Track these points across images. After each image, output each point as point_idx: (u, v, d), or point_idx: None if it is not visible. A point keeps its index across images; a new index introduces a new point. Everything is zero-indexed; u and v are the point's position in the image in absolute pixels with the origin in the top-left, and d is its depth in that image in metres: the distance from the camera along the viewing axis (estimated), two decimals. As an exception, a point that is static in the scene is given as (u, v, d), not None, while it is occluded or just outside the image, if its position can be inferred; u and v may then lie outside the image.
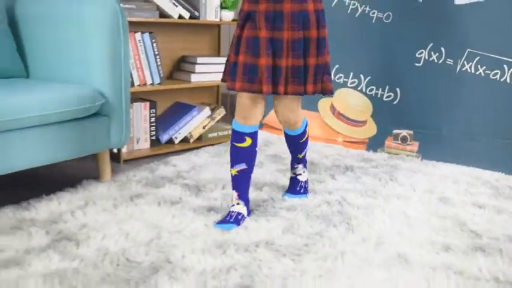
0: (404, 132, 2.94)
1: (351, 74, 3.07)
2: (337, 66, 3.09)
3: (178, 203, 2.10)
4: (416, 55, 2.88)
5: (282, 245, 1.75)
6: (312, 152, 2.93)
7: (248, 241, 1.77)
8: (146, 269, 1.56)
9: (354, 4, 3.01)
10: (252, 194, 2.21)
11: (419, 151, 2.91)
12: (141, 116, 2.88)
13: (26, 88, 2.06)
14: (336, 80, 3.11)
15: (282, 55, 1.76)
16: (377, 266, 1.62)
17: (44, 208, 1.99)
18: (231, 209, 1.94)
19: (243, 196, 1.96)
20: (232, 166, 1.92)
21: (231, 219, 1.89)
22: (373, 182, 2.45)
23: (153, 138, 2.95)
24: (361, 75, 3.05)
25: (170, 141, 3.04)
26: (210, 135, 3.17)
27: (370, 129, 3.04)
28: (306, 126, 2.13)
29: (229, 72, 1.82)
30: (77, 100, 2.08)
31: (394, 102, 2.97)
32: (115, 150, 2.75)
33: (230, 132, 3.22)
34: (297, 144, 2.14)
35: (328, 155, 2.90)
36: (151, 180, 2.36)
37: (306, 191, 2.22)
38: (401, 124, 2.94)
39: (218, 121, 3.41)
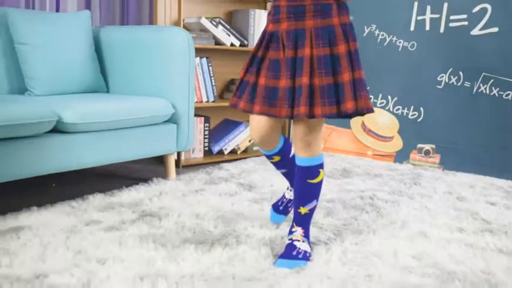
0: (427, 146, 3.32)
1: (380, 95, 3.49)
2: (367, 88, 3.51)
3: (235, 195, 2.52)
4: (438, 78, 3.29)
5: (324, 224, 2.14)
6: (344, 162, 3.34)
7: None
8: (217, 235, 1.97)
9: (382, 35, 3.45)
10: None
11: (441, 163, 3.28)
12: (196, 129, 3.33)
13: (107, 99, 2.53)
14: (367, 101, 3.53)
15: (302, 73, 1.60)
16: (401, 238, 2.00)
17: (126, 196, 2.43)
18: (285, 195, 2.12)
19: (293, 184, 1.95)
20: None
21: (281, 207, 2.11)
22: (399, 185, 2.83)
23: (206, 148, 3.39)
24: (389, 96, 3.47)
25: (220, 152, 3.48)
26: (254, 148, 3.60)
27: (397, 144, 3.43)
28: (321, 164, 1.75)
29: (246, 92, 1.71)
30: (151, 109, 2.54)
31: (419, 120, 3.37)
32: (175, 157, 3.20)
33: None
34: (304, 184, 1.75)
35: (359, 165, 3.30)
36: (209, 179, 2.80)
37: (305, 258, 1.75)
38: (425, 139, 3.33)
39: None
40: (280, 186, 2.70)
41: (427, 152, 3.32)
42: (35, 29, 2.62)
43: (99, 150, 2.35)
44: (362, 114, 1.64)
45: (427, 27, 3.31)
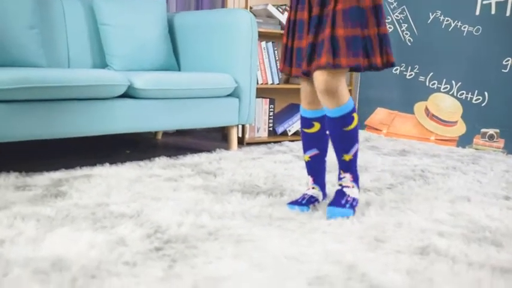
0: (491, 131, 3.29)
1: (444, 80, 3.50)
2: (431, 73, 3.53)
3: (289, 163, 2.66)
4: (503, 62, 3.26)
5: (369, 187, 2.23)
6: (405, 145, 3.38)
7: (342, 183, 2.27)
8: (266, 190, 2.12)
9: (447, 20, 3.47)
10: (349, 162, 2.71)
11: (505, 147, 3.23)
12: (262, 109, 3.51)
13: (179, 74, 2.77)
14: (430, 86, 3.55)
15: (325, 27, 1.62)
16: (443, 200, 2.05)
17: (189, 159, 2.65)
18: (306, 192, 1.92)
19: (318, 181, 1.93)
20: (304, 152, 1.91)
21: (303, 201, 1.86)
22: (456, 163, 2.84)
23: (270, 129, 3.56)
24: (453, 81, 3.46)
25: (284, 133, 3.63)
26: (317, 131, 3.71)
27: (460, 128, 3.42)
28: (353, 109, 1.75)
29: (286, 56, 1.81)
30: (216, 82, 2.75)
31: (483, 104, 3.34)
32: (240, 135, 3.39)
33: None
34: (341, 133, 1.75)
35: (420, 147, 3.33)
36: (268, 151, 2.96)
37: (352, 207, 1.79)
38: (489, 124, 3.30)
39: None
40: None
41: (491, 137, 3.29)
42: (116, 12, 2.92)
43: (166, 116, 2.58)
44: (383, 69, 1.69)
45: (493, 11, 3.28)
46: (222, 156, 2.74)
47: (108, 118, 2.38)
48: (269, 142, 3.46)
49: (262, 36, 3.54)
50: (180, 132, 3.69)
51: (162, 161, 2.58)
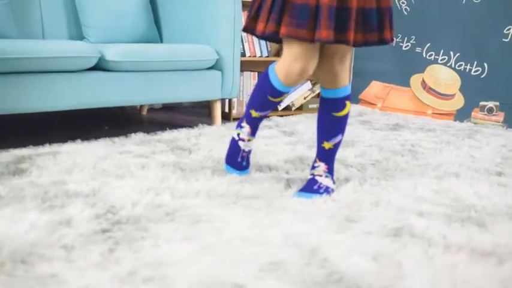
0: (490, 104, 3.12)
1: (442, 51, 3.32)
2: (428, 44, 3.36)
3: (272, 138, 2.53)
4: (504, 31, 3.07)
5: (352, 162, 2.09)
6: (399, 119, 3.22)
7: (324, 159, 2.14)
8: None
9: (446, -14, 3.28)
10: (336, 137, 2.57)
11: (505, 121, 3.07)
12: (250, 84, 3.36)
13: (154, 45, 2.62)
14: (427, 57, 3.37)
15: None
16: (430, 177, 1.91)
17: (167, 135, 2.51)
18: (244, 147, 1.83)
19: (255, 133, 1.84)
20: (256, 110, 1.76)
21: (244, 163, 1.86)
22: (451, 138, 2.69)
23: (260, 104, 3.41)
24: (451, 52, 3.29)
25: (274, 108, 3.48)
26: (310, 105, 3.57)
27: (458, 101, 3.26)
28: (348, 97, 1.65)
29: (266, 11, 1.48)
30: (195, 53, 2.61)
31: (482, 76, 3.17)
32: (226, 110, 3.25)
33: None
34: (329, 118, 1.66)
35: (415, 122, 3.17)
36: (253, 127, 2.82)
37: (327, 192, 1.66)
38: (488, 96, 3.13)
39: (318, 95, 3.84)
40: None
41: (490, 110, 3.12)
42: (93, -20, 2.76)
43: (141, 90, 2.45)
44: (386, 43, 1.56)
45: (494, -24, 3.09)
46: (202, 132, 2.61)
47: (78, 92, 2.25)
48: (258, 117, 3.31)
49: (247, 6, 3.36)
50: (167, 108, 3.56)
51: (138, 137, 2.45)
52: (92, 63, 2.27)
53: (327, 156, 1.73)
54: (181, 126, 2.85)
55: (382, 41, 1.51)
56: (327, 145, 1.70)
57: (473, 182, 1.86)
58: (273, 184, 1.74)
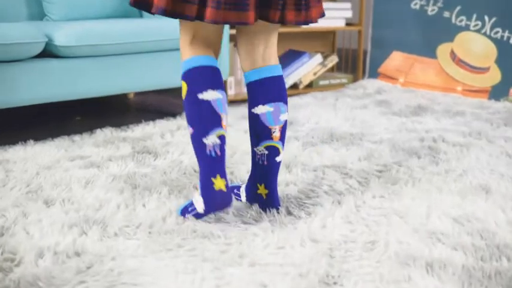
0: (533, 79, 2.60)
1: (474, 15, 2.79)
2: (458, 8, 2.83)
3: (264, 132, 2.11)
4: (553, -11, 2.53)
5: (353, 169, 1.67)
6: (424, 98, 2.74)
7: (319, 163, 1.72)
8: (208, 178, 1.59)
9: None
10: (343, 127, 2.14)
11: (551, 100, 2.56)
12: (249, 59, 2.92)
13: (119, 21, 2.20)
14: (457, 23, 2.85)
15: None
16: (449, 193, 1.47)
17: (139, 130, 2.13)
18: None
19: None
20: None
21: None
22: (483, 126, 2.21)
23: (262, 82, 2.97)
24: (486, 17, 2.75)
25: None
26: (321, 82, 3.11)
27: (494, 76, 2.74)
28: (183, 75, 1.27)
29: None
30: (171, 30, 2.18)
31: (524, 45, 2.65)
32: (222, 91, 2.83)
33: (343, 80, 3.15)
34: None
35: (442, 102, 2.68)
36: (245, 115, 2.40)
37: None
38: (531, 69, 2.61)
39: (331, 69, 3.37)
40: (325, 124, 2.23)
41: (532, 86, 2.60)
42: None
43: (102, 78, 2.05)
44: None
45: None
46: (182, 125, 2.21)
47: (23, 84, 1.87)
48: (259, 98, 2.88)
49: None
50: (157, 91, 3.16)
51: (104, 133, 2.07)
52: (38, 51, 1.88)
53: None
54: (168, 114, 2.46)
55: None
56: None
57: (508, 202, 1.41)
58: (242, 213, 1.34)
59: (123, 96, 2.94)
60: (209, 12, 1.14)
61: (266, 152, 1.31)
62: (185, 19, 1.18)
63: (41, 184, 1.54)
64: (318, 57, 3.07)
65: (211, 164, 1.23)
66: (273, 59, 1.32)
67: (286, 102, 1.32)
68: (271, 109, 1.29)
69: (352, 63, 3.66)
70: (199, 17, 1.17)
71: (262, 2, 1.19)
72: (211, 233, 1.21)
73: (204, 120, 1.22)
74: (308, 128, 2.15)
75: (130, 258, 1.11)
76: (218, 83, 1.25)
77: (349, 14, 3.10)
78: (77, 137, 2.02)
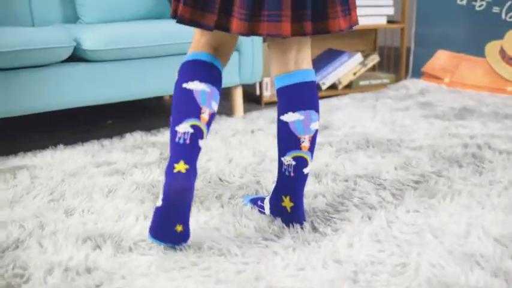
0: None
1: (527, 10, 2.61)
2: (509, 3, 2.64)
3: (296, 137, 2.02)
4: None
5: (387, 179, 1.56)
6: (470, 100, 2.58)
7: (351, 173, 1.62)
8: (233, 188, 1.52)
9: None
10: (380, 132, 2.02)
11: None
12: (286, 59, 2.83)
13: (150, 23, 2.16)
14: (508, 19, 2.67)
15: None
16: (492, 208, 1.35)
17: (167, 134, 2.08)
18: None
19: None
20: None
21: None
22: (534, 131, 2.05)
23: (299, 83, 2.88)
24: (540, 11, 2.57)
25: (317, 88, 2.94)
26: (361, 82, 2.99)
27: (549, 75, 2.56)
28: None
29: None
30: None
31: None
32: (257, 93, 2.76)
33: (384, 80, 3.01)
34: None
35: (489, 103, 2.52)
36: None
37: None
38: None
39: (372, 69, 3.25)
40: (361, 128, 2.12)
41: None
42: None
43: (131, 82, 2.01)
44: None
45: None
46: (214, 128, 2.15)
47: (51, 89, 1.85)
48: (296, 100, 2.79)
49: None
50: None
51: (133, 137, 2.04)
52: (66, 55, 1.86)
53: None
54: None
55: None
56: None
57: (559, 219, 1.28)
58: (264, 227, 1.27)
59: (159, 98, 2.92)
60: (235, 24, 1.07)
61: (293, 163, 1.23)
62: (203, 29, 1.12)
63: (64, 192, 1.51)
64: (358, 57, 2.95)
65: (177, 150, 1.12)
66: (306, 63, 1.24)
67: (317, 110, 1.23)
68: (302, 117, 1.20)
69: (395, 62, 3.51)
70: (222, 27, 1.10)
71: (316, 15, 1.11)
72: (228, 251, 1.14)
73: (181, 108, 1.14)
74: (343, 133, 2.05)
75: (141, 277, 1.06)
76: (210, 78, 1.17)
77: (391, 11, 2.96)
78: (106, 142, 1.99)
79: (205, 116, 1.15)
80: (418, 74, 3.03)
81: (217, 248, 1.16)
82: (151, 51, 2.00)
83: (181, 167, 1.11)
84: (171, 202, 1.11)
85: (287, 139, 1.21)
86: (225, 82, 2.26)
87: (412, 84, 2.91)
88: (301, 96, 1.20)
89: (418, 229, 1.24)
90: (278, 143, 1.24)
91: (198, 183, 1.56)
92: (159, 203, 1.13)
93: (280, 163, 1.25)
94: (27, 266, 1.11)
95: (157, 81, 2.07)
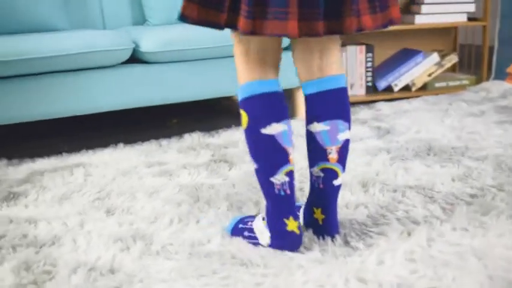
0: None
1: None
2: None
3: (354, 142, 1.94)
4: None
5: (441, 191, 1.45)
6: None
7: (402, 183, 1.53)
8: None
9: None
10: (445, 138, 1.90)
11: None
12: (356, 60, 2.74)
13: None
14: None
15: None
16: (554, 229, 1.21)
17: (226, 136, 2.08)
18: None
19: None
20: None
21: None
22: None
23: (369, 84, 2.78)
24: None
25: (389, 89, 2.82)
26: (437, 84, 2.82)
27: None
28: (241, 103, 1.15)
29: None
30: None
31: None
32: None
33: (463, 82, 2.83)
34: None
35: None
36: (342, 121, 2.24)
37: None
38: None
39: (451, 70, 3.06)
40: (425, 134, 2.00)
41: None
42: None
43: (188, 83, 2.04)
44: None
45: None
46: (271, 131, 2.12)
47: (110, 90, 1.92)
48: (367, 102, 2.70)
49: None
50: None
51: (191, 138, 2.06)
52: (125, 57, 1.92)
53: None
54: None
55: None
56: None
57: None
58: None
59: (227, 97, 2.93)
60: (242, 22, 1.02)
61: (322, 175, 1.17)
62: (213, 27, 1.07)
63: (110, 191, 1.55)
64: (434, 57, 2.79)
65: (282, 204, 1.13)
66: (334, 68, 1.17)
67: (347, 120, 1.16)
68: (327, 128, 1.14)
69: (476, 62, 3.29)
70: (232, 25, 1.05)
71: (330, 13, 1.02)
72: (250, 261, 1.11)
73: (270, 157, 1.11)
74: (405, 139, 1.95)
75: (159, 283, 1.06)
76: (282, 113, 1.12)
77: (471, 7, 2.76)
78: (164, 142, 2.03)
79: (291, 155, 1.13)
80: (502, 75, 2.82)
81: (240, 258, 1.13)
82: (207, 53, 2.01)
83: (293, 226, 1.14)
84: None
85: (314, 150, 1.16)
86: (287, 84, 2.23)
87: (493, 87, 2.71)
88: (326, 106, 1.13)
89: (461, 250, 1.13)
90: (307, 153, 1.19)
91: (241, 187, 1.54)
92: (264, 243, 1.18)
93: (311, 175, 1.19)
94: (56, 263, 1.14)
95: (214, 83, 2.07)
